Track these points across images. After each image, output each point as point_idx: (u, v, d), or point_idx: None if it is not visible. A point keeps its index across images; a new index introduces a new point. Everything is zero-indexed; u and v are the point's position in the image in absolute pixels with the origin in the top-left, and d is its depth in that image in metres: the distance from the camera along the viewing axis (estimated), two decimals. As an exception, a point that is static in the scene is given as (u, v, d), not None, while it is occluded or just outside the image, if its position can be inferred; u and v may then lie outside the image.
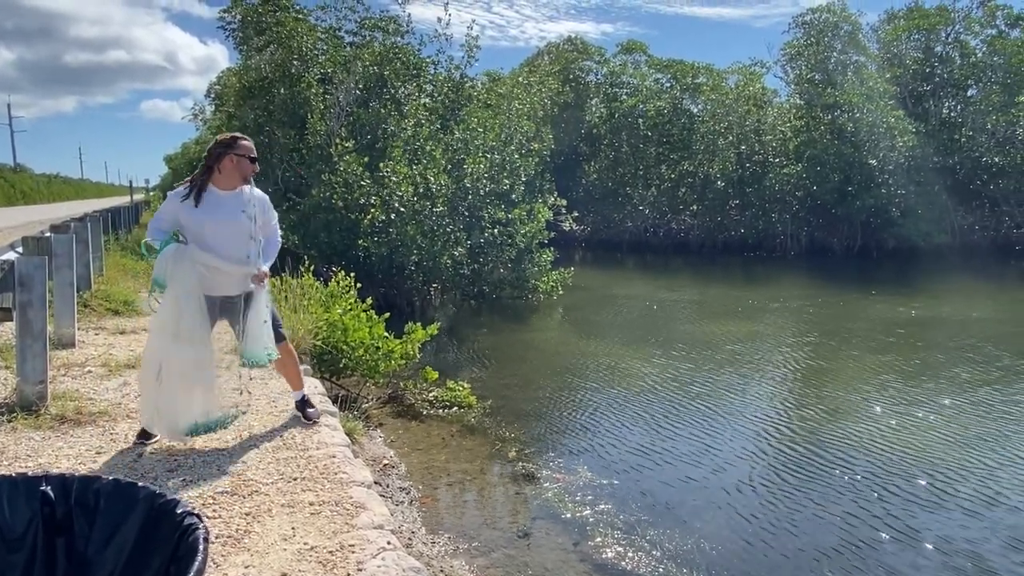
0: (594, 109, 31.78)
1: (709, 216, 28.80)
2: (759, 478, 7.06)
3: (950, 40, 28.98)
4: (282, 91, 17.88)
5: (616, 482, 6.95)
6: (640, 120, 30.39)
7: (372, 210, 14.37)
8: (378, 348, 8.20)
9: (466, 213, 15.21)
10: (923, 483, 6.81)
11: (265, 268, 4.90)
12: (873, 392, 9.75)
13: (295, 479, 4.40)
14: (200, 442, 4.93)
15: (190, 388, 4.66)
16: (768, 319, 15.20)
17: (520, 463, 7.42)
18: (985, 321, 14.61)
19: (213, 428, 4.89)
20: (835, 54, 27.86)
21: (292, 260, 9.38)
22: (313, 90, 17.33)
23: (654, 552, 5.66)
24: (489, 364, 11.55)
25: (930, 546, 5.72)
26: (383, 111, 17.14)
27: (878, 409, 9.00)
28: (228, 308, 4.95)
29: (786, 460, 7.51)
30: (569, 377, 10.70)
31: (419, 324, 9.53)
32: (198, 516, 1.69)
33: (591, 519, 6.20)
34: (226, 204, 4.81)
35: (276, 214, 5.13)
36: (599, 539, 5.88)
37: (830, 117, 25.99)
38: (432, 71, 19.15)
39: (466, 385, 9.45)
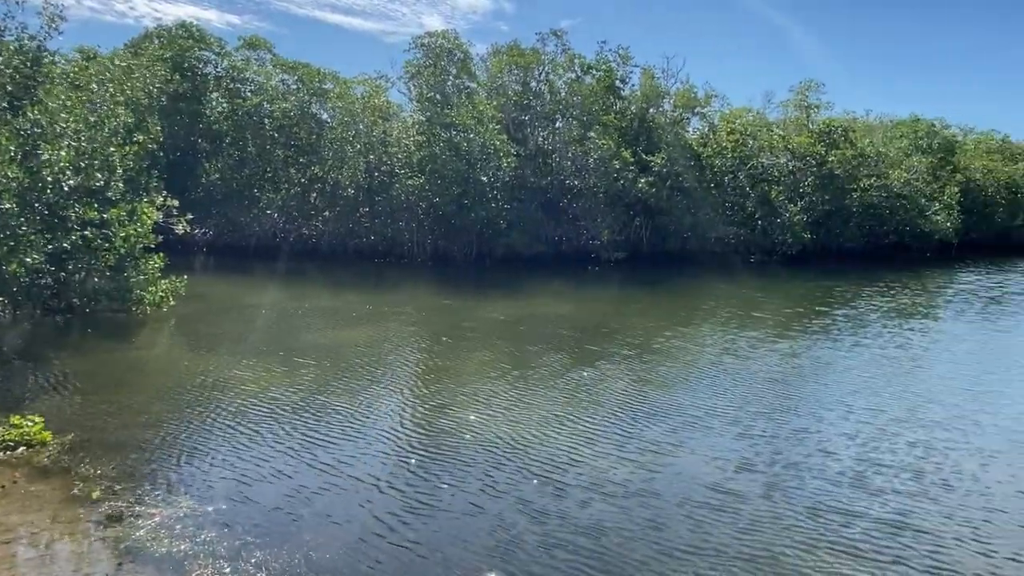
0: (214, 104, 29.56)
1: (340, 222, 29.05)
2: (376, 481, 7.27)
3: (542, 78, 34.10)
4: None
5: (224, 507, 6.49)
6: (266, 120, 29.24)
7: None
8: None
9: (45, 211, 12.72)
10: (528, 460, 7.78)
11: None
12: (483, 384, 10.84)
13: None
14: None
15: None
16: (395, 323, 15.87)
17: (107, 503, 6.46)
18: (569, 317, 17.42)
19: None
20: (451, 78, 30.59)
21: None
22: None
23: (259, 574, 5.42)
24: (75, 391, 9.85)
25: (546, 517, 6.55)
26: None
27: (488, 398, 10.03)
28: None
29: (404, 458, 7.88)
30: (177, 398, 9.69)
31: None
32: None
33: (191, 551, 5.68)
34: None
35: None
36: (198, 572, 5.41)
37: (448, 135, 28.39)
38: (-4, 38, 15.60)
39: (38, 419, 7.90)
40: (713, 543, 6.12)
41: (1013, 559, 6.00)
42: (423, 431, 8.78)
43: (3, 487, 6.77)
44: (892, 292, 22.87)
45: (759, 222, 31.72)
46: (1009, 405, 10.39)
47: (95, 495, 6.58)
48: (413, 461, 7.80)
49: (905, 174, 34.85)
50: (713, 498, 6.96)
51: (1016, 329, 17.65)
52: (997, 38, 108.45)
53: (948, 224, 35.15)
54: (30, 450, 7.57)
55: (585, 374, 11.58)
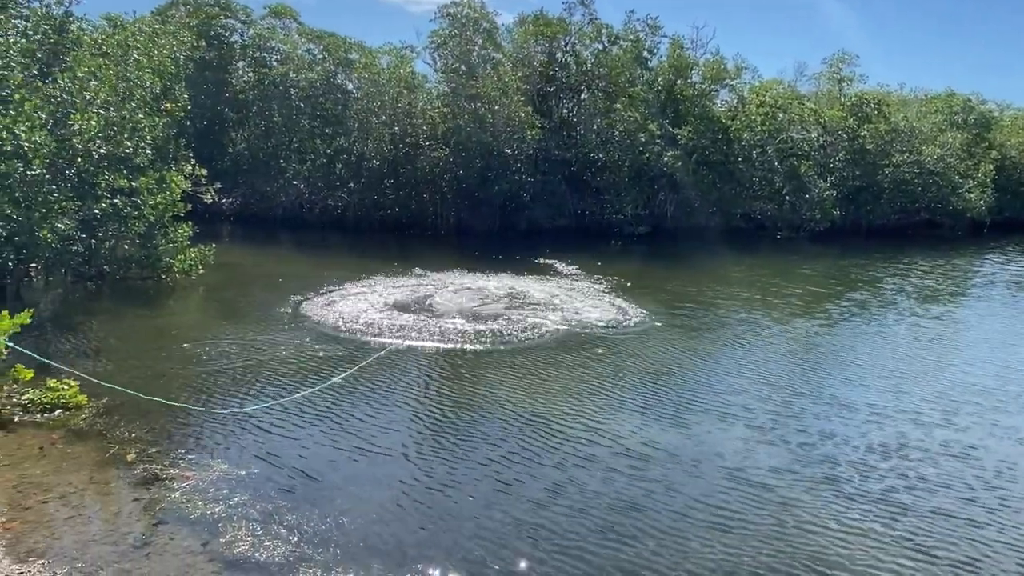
0: (241, 72, 29.59)
1: (365, 194, 29.06)
2: (406, 450, 7.34)
3: (568, 49, 33.59)
4: None
5: (255, 471, 6.60)
6: (292, 90, 29.22)
7: (-64, 170, 11.27)
8: (-62, 345, 6.50)
9: (75, 178, 12.85)
10: (528, 438, 7.80)
11: None
12: (496, 363, 10.84)
13: None
14: None
15: None
16: (420, 293, 15.88)
17: (142, 465, 6.60)
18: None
19: None
20: (477, 49, 30.23)
21: None
22: None
23: (291, 537, 5.52)
24: (108, 356, 10.04)
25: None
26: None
27: (504, 377, 10.04)
28: None
29: (430, 428, 7.95)
30: (207, 364, 9.82)
31: (6, 312, 7.83)
32: None
33: (224, 514, 5.79)
34: None
35: None
36: (232, 534, 5.52)
37: (473, 107, 28.16)
38: (25, 4, 15.65)
39: (73, 383, 8.06)
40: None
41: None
42: (446, 403, 8.83)
43: (41, 448, 6.94)
44: (920, 274, 22.44)
45: (787, 198, 31.19)
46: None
47: (130, 457, 6.72)
48: (438, 432, 7.86)
49: (939, 150, 33.97)
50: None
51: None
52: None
53: (981, 202, 34.32)
54: (66, 413, 7.74)
55: (588, 355, 11.51)
